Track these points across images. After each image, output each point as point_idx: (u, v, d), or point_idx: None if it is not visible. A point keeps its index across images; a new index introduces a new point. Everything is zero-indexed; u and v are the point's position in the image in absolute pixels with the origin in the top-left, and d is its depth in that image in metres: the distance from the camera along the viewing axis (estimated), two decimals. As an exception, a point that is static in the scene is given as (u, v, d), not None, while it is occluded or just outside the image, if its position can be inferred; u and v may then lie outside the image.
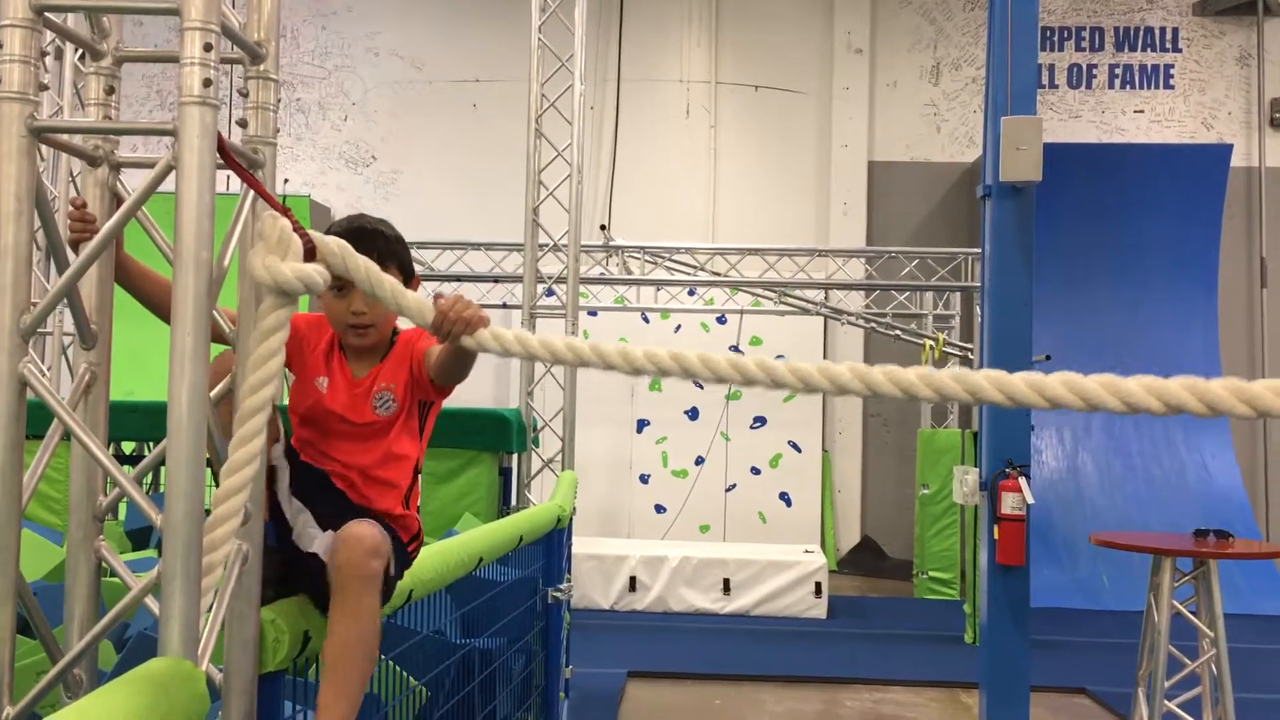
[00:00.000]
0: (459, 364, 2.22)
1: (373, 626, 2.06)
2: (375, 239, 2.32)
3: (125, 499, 1.71)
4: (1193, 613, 4.82)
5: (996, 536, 5.83)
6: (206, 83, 1.54)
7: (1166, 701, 4.77)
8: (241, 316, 1.76)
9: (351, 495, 2.30)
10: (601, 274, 11.32)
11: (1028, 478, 5.83)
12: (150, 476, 5.45)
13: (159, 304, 1.98)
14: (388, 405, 2.36)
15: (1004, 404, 1.49)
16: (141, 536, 5.18)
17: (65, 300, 1.66)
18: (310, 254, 1.73)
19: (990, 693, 5.84)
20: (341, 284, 2.23)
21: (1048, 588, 9.84)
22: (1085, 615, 9.69)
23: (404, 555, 2.38)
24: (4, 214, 1.55)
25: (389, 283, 1.83)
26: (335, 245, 1.79)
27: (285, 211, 1.71)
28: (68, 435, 1.67)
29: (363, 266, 1.81)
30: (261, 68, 1.77)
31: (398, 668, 2.54)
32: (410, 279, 2.41)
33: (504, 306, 11.72)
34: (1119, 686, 6.22)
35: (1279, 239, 13.34)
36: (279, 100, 1.82)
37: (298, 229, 1.69)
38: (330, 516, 2.20)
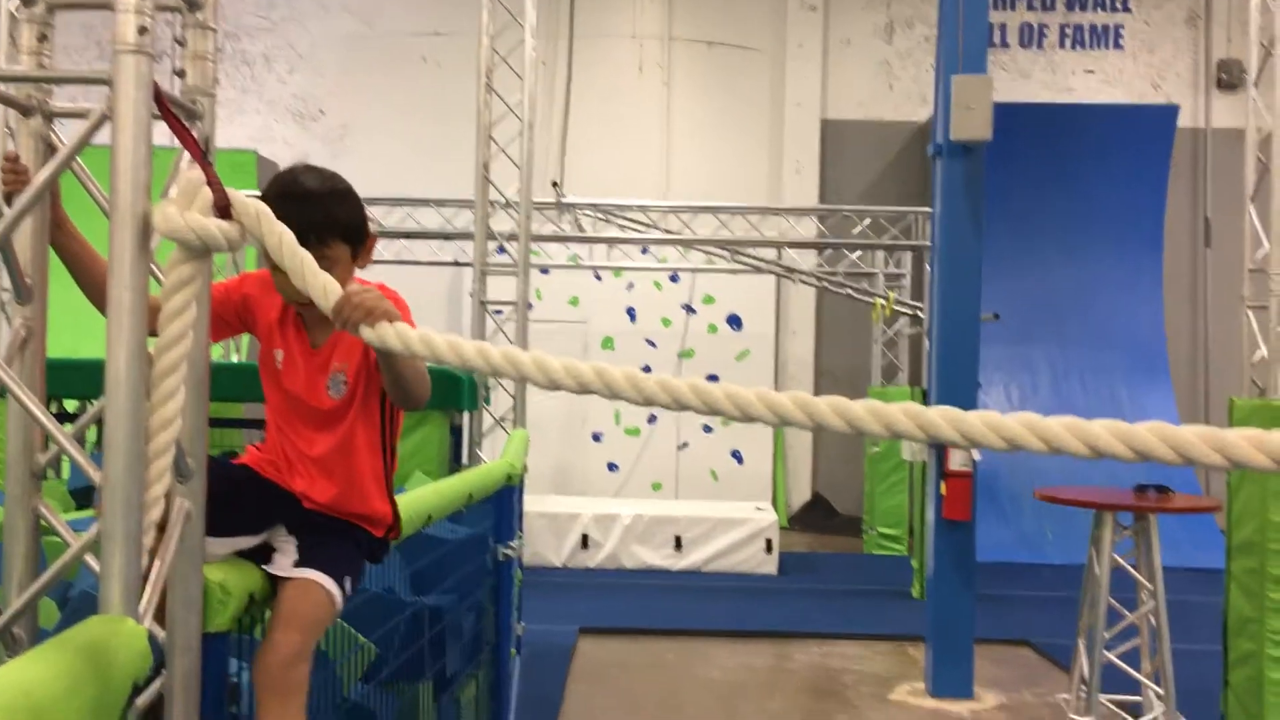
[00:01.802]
0: (390, 377, 2.09)
1: None
2: (310, 206, 2.11)
3: (68, 458, 1.68)
4: (1133, 566, 4.92)
5: (944, 492, 5.92)
6: (142, 30, 1.50)
7: (1106, 652, 4.88)
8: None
9: (311, 501, 2.20)
10: (554, 231, 11.26)
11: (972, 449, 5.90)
12: (95, 435, 5.38)
13: (93, 280, 1.90)
14: (339, 388, 2.23)
15: (958, 443, 1.37)
16: (86, 495, 5.11)
17: (-1, 254, 1.62)
18: (225, 212, 1.65)
19: (936, 646, 5.95)
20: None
21: (993, 542, 10.01)
22: (1029, 569, 9.88)
23: (379, 549, 2.34)
24: (-68, 165, 1.50)
25: (301, 256, 1.70)
26: (253, 207, 1.67)
27: (205, 164, 1.65)
28: (4, 392, 1.63)
29: (277, 233, 1.69)
30: (199, 16, 1.73)
31: (346, 625, 2.53)
32: (362, 242, 2.25)
33: (455, 264, 11.63)
34: (1061, 638, 6.36)
35: (1223, 200, 13.52)
36: (218, 50, 1.78)
37: (214, 184, 1.61)
38: (297, 530, 2.16)
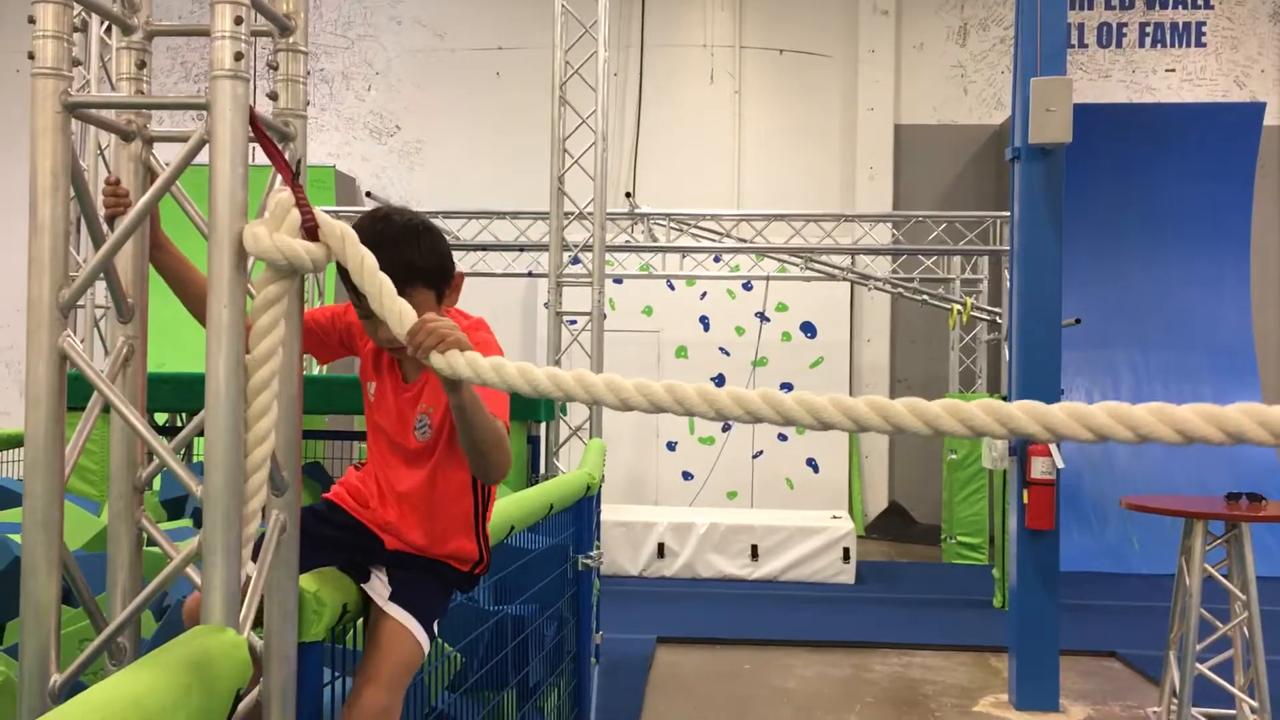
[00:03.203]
0: (466, 440, 2.01)
1: None
2: (388, 252, 1.99)
3: (168, 470, 1.72)
4: (1224, 575, 4.80)
5: (1026, 501, 5.82)
6: (238, 56, 1.55)
7: (1198, 664, 4.77)
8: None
9: (396, 539, 2.23)
10: (627, 241, 11.31)
11: (1060, 442, 5.81)
12: (183, 448, 5.51)
13: (193, 294, 1.96)
14: (424, 431, 2.23)
15: (1041, 435, 1.32)
16: (176, 506, 5.24)
17: (102, 275, 1.68)
18: (313, 233, 1.67)
19: (1020, 657, 5.85)
20: (368, 311, 2.03)
21: (1077, 552, 9.83)
22: (1115, 579, 9.67)
23: (468, 582, 2.36)
24: (41, 189, 1.56)
25: (381, 281, 1.72)
26: (339, 230, 1.70)
27: (295, 186, 1.69)
28: (106, 408, 1.69)
29: (359, 257, 1.71)
30: (290, 40, 1.77)
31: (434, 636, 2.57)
32: (446, 282, 2.22)
33: (530, 275, 11.72)
34: (1150, 650, 6.21)
35: (1312, 198, 13.16)
36: (308, 72, 1.82)
37: (303, 206, 1.65)
38: (386, 563, 2.21)
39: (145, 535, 1.78)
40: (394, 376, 2.26)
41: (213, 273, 1.54)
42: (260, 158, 1.68)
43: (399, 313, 1.74)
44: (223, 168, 1.54)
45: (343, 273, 1.77)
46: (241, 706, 1.57)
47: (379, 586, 2.17)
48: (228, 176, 1.54)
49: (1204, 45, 13.52)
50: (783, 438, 12.55)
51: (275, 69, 1.80)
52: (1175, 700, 4.79)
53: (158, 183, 1.65)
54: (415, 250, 2.16)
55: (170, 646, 1.40)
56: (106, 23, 1.73)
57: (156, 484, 5.69)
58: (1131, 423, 1.25)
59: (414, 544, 2.25)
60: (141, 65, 1.79)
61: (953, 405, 1.34)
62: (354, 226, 2.18)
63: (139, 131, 1.79)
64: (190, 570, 1.62)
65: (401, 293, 2.04)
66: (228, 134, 1.54)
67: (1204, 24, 13.51)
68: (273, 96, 1.78)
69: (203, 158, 1.58)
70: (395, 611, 2.15)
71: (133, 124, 1.78)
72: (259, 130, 1.65)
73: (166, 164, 1.70)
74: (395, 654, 2.12)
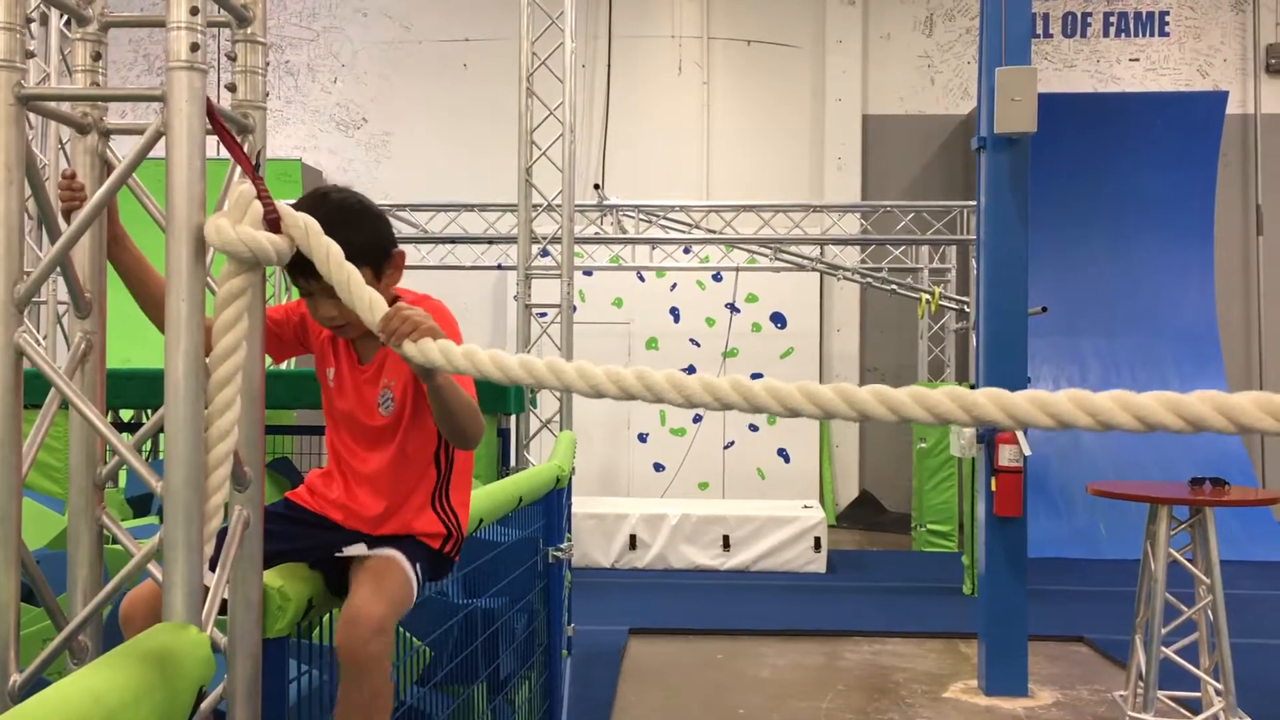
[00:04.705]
0: (438, 411, 2.05)
1: (382, 701, 2.05)
2: (329, 234, 2.08)
3: (125, 466, 1.71)
4: (1189, 560, 4.86)
5: (994, 488, 5.87)
6: (194, 47, 1.53)
7: (1164, 648, 4.82)
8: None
9: (359, 519, 2.21)
10: (596, 233, 11.29)
11: (1025, 429, 5.85)
12: (149, 443, 5.47)
13: (150, 294, 1.94)
14: (388, 405, 2.23)
15: (1005, 423, 1.34)
16: (142, 503, 5.19)
17: (59, 269, 1.66)
18: (275, 225, 1.67)
19: (989, 642, 5.90)
20: (310, 289, 2.10)
21: (1045, 538, 9.92)
22: (1082, 564, 9.77)
23: (440, 563, 2.32)
24: (-6, 183, 1.54)
25: (348, 271, 1.72)
26: (302, 221, 1.70)
27: (256, 178, 1.67)
28: (66, 404, 1.67)
29: (324, 247, 1.71)
30: (249, 30, 1.76)
31: (401, 628, 2.56)
32: (384, 260, 2.20)
33: (499, 268, 11.69)
34: (1117, 634, 6.28)
35: (1275, 186, 13.30)
36: (268, 63, 1.80)
37: (265, 198, 1.65)
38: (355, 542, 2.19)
39: (109, 533, 1.76)
40: (350, 358, 2.26)
41: (170, 267, 1.53)
42: (213, 152, 1.66)
43: (368, 301, 1.74)
44: (179, 160, 1.52)
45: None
46: (205, 704, 1.55)
47: (358, 549, 2.15)
48: (185, 169, 1.52)
49: (1167, 35, 13.64)
50: (754, 428, 12.58)
51: (234, 60, 1.78)
52: (1141, 683, 4.84)
53: (113, 175, 1.63)
54: (351, 229, 2.10)
55: (132, 644, 1.38)
56: (68, 15, 1.70)
57: (122, 481, 5.64)
58: (1093, 410, 1.26)
59: (379, 527, 2.23)
60: (97, 57, 1.77)
61: (918, 393, 1.35)
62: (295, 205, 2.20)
63: (95, 124, 1.76)
64: (152, 567, 1.60)
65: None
66: (184, 126, 1.52)
67: (1167, 13, 13.63)
68: (231, 88, 1.76)
69: (161, 151, 1.56)
70: (381, 550, 2.14)
71: (88, 117, 1.76)
72: (216, 122, 1.63)
73: (125, 157, 1.68)
74: (389, 576, 2.10)
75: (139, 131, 1.64)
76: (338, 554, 2.14)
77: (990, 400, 1.30)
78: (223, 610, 1.67)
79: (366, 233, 2.16)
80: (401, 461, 2.24)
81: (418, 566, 2.20)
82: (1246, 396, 1.19)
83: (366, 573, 2.10)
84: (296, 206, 2.10)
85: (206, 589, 1.56)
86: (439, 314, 2.13)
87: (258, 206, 1.64)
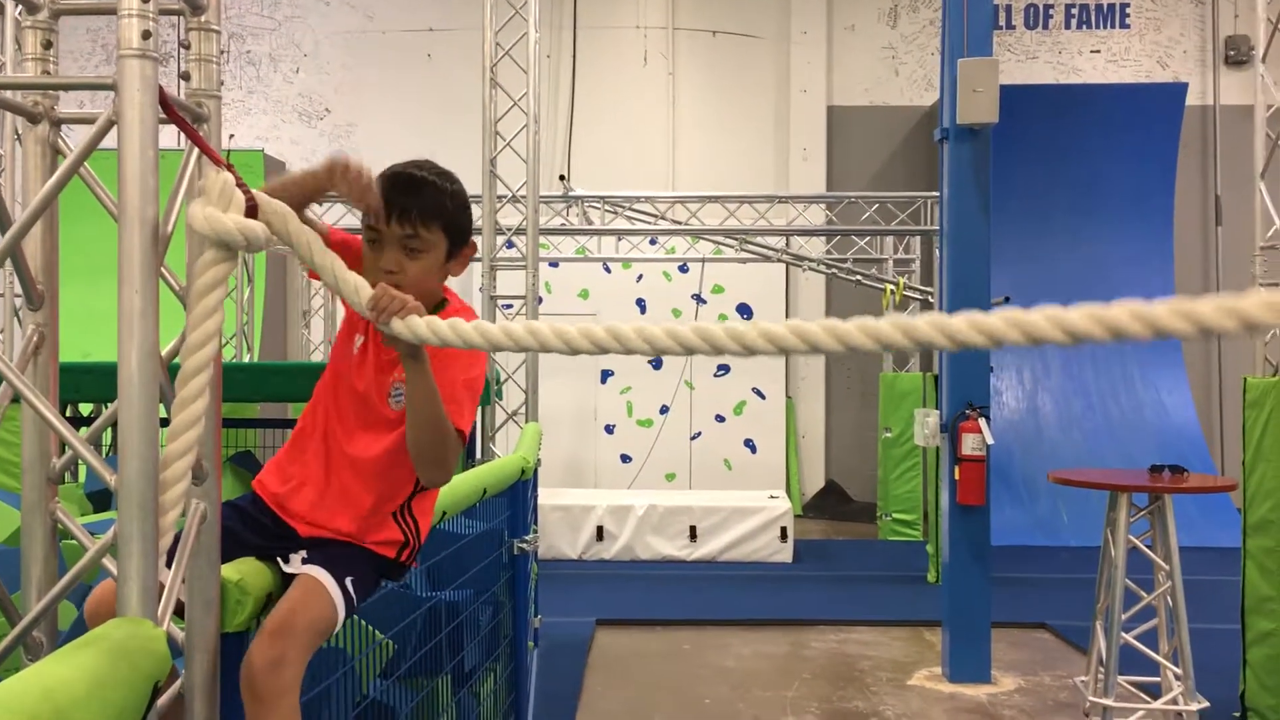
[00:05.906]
0: (416, 407, 2.00)
1: None
2: (418, 193, 2.12)
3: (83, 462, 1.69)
4: (1149, 547, 4.91)
5: (957, 477, 5.91)
6: (145, 34, 1.51)
7: (1124, 634, 4.87)
8: (189, 275, 1.72)
9: (319, 525, 2.16)
10: (561, 225, 11.26)
11: (988, 419, 5.90)
12: (109, 437, 5.40)
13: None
14: (399, 400, 2.17)
15: (947, 347, 1.44)
16: (102, 498, 5.14)
17: (10, 260, 1.63)
18: (252, 212, 1.66)
19: (953, 630, 5.95)
20: (376, 235, 2.12)
21: (1008, 526, 10.00)
22: (1045, 552, 9.87)
23: (393, 569, 2.27)
24: (-59, 173, 1.51)
25: (331, 258, 1.74)
26: (280, 208, 1.71)
27: (228, 166, 1.67)
28: (18, 398, 1.64)
29: (304, 236, 1.72)
30: (203, 19, 1.73)
31: (364, 622, 2.55)
32: (461, 245, 2.21)
33: (464, 259, 11.63)
34: (1079, 620, 6.35)
35: (1233, 177, 13.44)
36: (222, 52, 1.78)
37: (241, 186, 1.65)
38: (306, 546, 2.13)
39: (64, 528, 1.74)
40: (379, 334, 2.23)
41: (123, 257, 1.51)
42: (169, 142, 1.64)
43: (353, 285, 1.77)
44: (132, 150, 1.50)
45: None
46: (161, 700, 1.54)
47: (296, 561, 2.10)
48: (137, 158, 1.50)
49: (1128, 26, 13.76)
50: (720, 419, 12.61)
51: (188, 49, 1.76)
52: (1102, 669, 4.90)
53: (64, 165, 1.60)
54: (451, 198, 2.19)
55: (86, 639, 1.37)
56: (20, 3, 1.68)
57: (83, 476, 5.58)
58: (1026, 328, 1.37)
59: (338, 528, 2.19)
60: (48, 45, 1.75)
61: (866, 325, 1.48)
62: (389, 172, 2.19)
63: (46, 113, 1.74)
64: (107, 561, 1.58)
65: (418, 228, 2.13)
66: (136, 115, 1.50)
67: (1128, 5, 13.75)
68: (185, 77, 1.74)
69: (114, 142, 1.54)
70: (308, 569, 2.06)
71: (39, 105, 1.73)
72: (172, 112, 1.61)
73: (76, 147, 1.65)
74: (302, 608, 2.00)
75: (92, 121, 1.61)
76: (284, 565, 2.09)
77: (931, 325, 1.44)
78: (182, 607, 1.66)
79: (462, 211, 2.23)
80: (393, 459, 2.18)
81: (349, 584, 2.11)
82: (1164, 305, 1.30)
83: (280, 605, 2.01)
84: (393, 172, 2.16)
85: (163, 584, 1.54)
86: (467, 315, 2.16)
87: (240, 194, 1.63)
